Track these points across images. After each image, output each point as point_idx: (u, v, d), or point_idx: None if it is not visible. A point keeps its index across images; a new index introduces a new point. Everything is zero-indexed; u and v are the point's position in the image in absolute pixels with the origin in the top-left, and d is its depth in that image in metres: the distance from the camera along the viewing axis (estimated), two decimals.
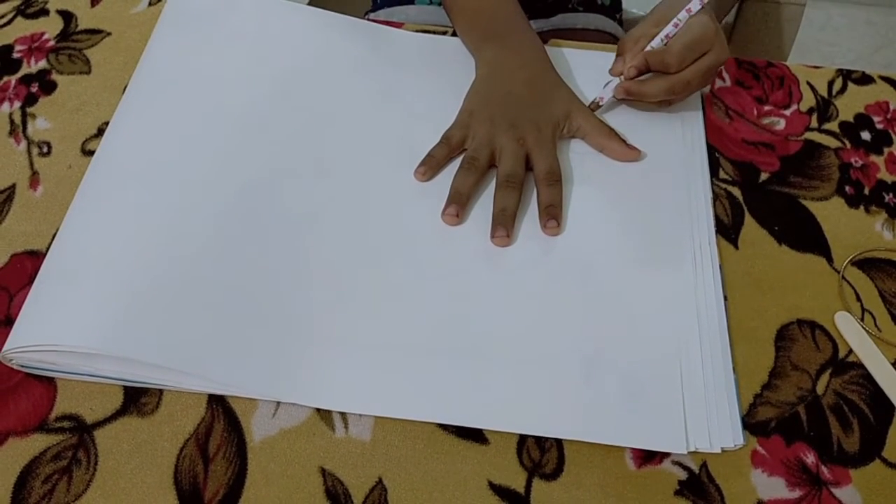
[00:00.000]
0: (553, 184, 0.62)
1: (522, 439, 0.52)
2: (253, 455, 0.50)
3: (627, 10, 1.04)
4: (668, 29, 0.64)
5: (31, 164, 0.63)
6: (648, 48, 0.65)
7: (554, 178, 0.62)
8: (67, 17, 0.73)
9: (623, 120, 0.67)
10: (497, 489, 0.50)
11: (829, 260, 0.61)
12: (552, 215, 0.60)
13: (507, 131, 0.63)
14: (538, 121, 0.64)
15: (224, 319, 0.54)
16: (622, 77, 0.66)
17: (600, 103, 0.67)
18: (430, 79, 0.70)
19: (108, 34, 0.72)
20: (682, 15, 0.63)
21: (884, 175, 0.66)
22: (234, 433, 0.51)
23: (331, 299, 0.56)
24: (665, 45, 0.64)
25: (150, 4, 0.75)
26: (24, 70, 0.69)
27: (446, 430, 0.52)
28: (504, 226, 0.59)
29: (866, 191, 0.65)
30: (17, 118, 0.66)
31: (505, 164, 0.62)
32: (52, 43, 0.71)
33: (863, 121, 0.70)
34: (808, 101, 0.71)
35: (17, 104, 0.67)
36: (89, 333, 0.51)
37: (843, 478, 0.51)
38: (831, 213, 0.64)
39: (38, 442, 0.50)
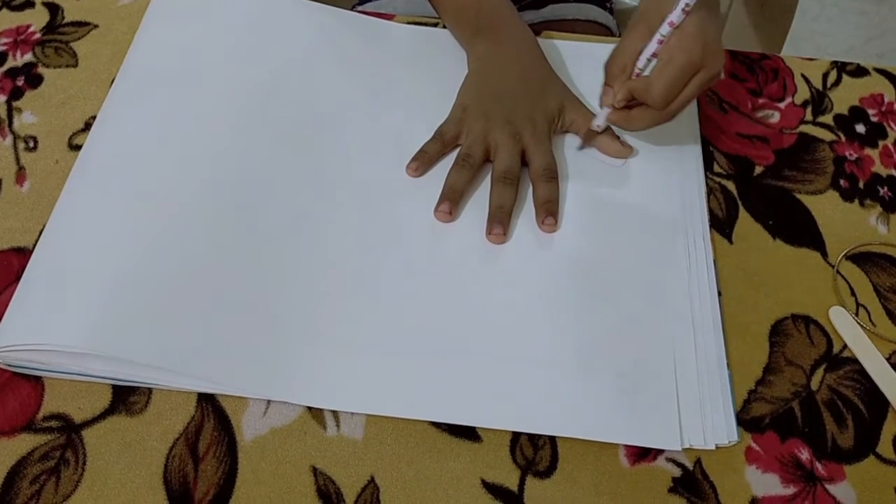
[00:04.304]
0: (550, 180, 0.61)
1: (516, 437, 0.51)
2: (243, 454, 0.50)
3: None
4: (653, 46, 0.58)
5: (18, 159, 0.63)
6: (636, 70, 0.60)
7: (551, 174, 0.61)
8: (53, 9, 0.72)
9: None
10: (490, 487, 0.49)
11: (824, 254, 0.61)
12: (549, 212, 0.60)
13: (503, 127, 0.63)
14: (533, 116, 0.64)
15: (213, 317, 0.53)
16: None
17: (598, 131, 0.64)
18: (422, 72, 0.69)
19: (96, 26, 0.71)
20: (666, 29, 0.57)
21: (878, 168, 0.66)
22: (224, 432, 0.51)
23: (322, 297, 0.56)
24: (653, 57, 0.59)
25: None
26: (10, 63, 0.68)
27: (439, 427, 0.51)
28: (501, 223, 0.59)
29: (861, 184, 0.65)
30: (3, 112, 0.65)
31: (501, 160, 0.62)
32: (38, 36, 0.70)
33: (857, 113, 0.69)
34: (803, 93, 0.70)
35: (3, 98, 0.66)
36: (77, 332, 0.50)
37: (838, 474, 0.51)
38: (826, 207, 0.63)
39: (26, 442, 0.50)
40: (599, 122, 0.63)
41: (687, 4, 0.56)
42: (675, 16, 0.57)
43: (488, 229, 0.59)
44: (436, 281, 0.57)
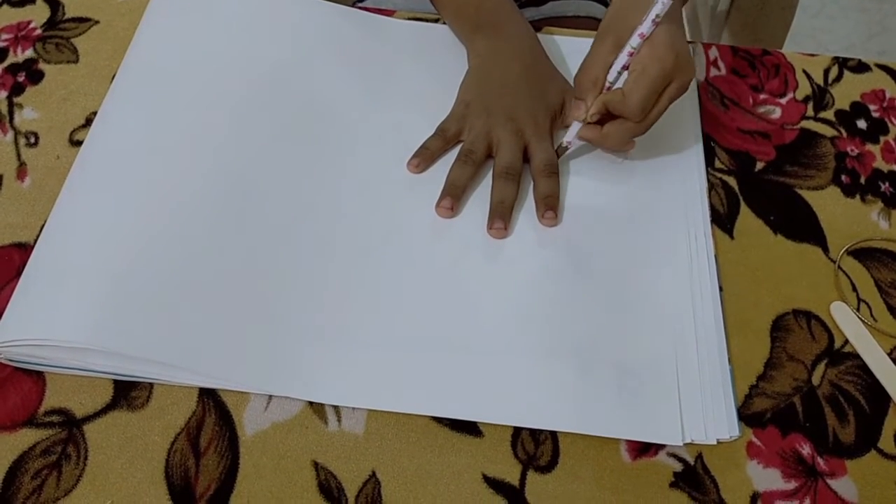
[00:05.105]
0: (551, 175, 0.61)
1: (517, 432, 0.51)
2: (245, 449, 0.50)
3: None
4: (623, 58, 0.58)
5: (18, 154, 0.63)
6: (606, 83, 0.59)
7: (552, 169, 0.61)
8: (54, 4, 0.72)
9: None
10: (491, 482, 0.49)
11: (825, 250, 0.61)
12: (550, 206, 0.60)
13: (505, 124, 0.63)
14: (535, 112, 0.64)
15: (215, 312, 0.53)
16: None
17: (568, 147, 0.63)
18: (423, 68, 0.69)
19: (96, 22, 0.71)
20: (636, 41, 0.57)
21: (880, 164, 0.66)
22: (225, 427, 0.51)
23: (323, 292, 0.56)
24: (624, 70, 0.58)
25: None
26: (11, 59, 0.68)
27: (440, 422, 0.51)
28: (502, 218, 0.59)
29: (862, 180, 0.65)
30: (4, 108, 0.65)
31: (503, 156, 0.62)
32: (38, 31, 0.70)
33: (859, 109, 0.69)
34: (804, 89, 0.70)
35: (4, 94, 0.66)
36: (78, 327, 0.50)
37: (839, 469, 0.51)
38: (827, 203, 0.63)
39: (27, 437, 0.50)
40: (569, 139, 0.62)
41: (657, 16, 0.56)
42: (646, 27, 0.56)
43: (489, 224, 0.59)
44: (437, 276, 0.57)
